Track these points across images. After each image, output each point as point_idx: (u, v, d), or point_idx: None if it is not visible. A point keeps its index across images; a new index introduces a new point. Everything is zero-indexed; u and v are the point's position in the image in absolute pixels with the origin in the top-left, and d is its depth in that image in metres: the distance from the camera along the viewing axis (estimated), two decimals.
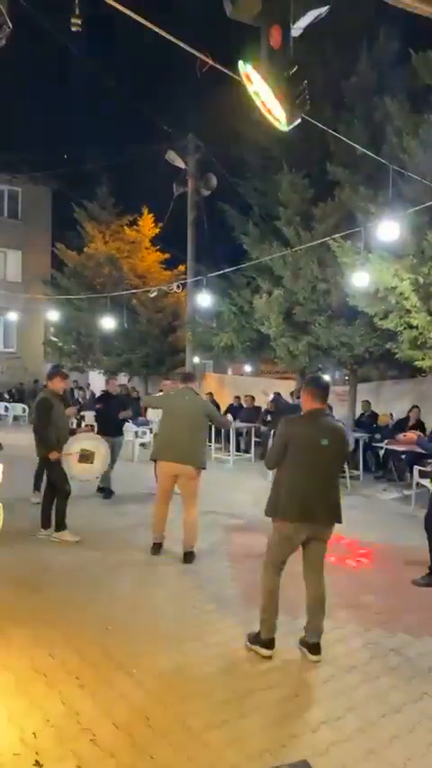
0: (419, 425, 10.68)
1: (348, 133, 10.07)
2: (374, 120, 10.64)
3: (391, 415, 12.31)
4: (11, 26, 2.91)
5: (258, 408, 14.35)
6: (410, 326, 9.71)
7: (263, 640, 3.97)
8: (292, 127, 3.11)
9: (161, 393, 9.63)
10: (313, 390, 4.05)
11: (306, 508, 3.90)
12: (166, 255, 20.95)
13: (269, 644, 3.96)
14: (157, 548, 6.12)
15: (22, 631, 4.24)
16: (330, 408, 7.39)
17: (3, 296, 22.26)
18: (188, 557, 5.91)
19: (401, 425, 10.99)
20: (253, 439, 13.40)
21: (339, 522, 4.05)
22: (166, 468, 5.95)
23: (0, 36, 2.81)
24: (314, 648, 4.00)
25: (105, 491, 8.71)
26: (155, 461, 6.20)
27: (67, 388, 11.59)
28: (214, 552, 6.27)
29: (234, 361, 17.98)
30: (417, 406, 11.30)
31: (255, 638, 4.02)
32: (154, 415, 9.33)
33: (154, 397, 6.79)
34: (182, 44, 4.76)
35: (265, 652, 3.94)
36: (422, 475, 8.87)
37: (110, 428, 8.51)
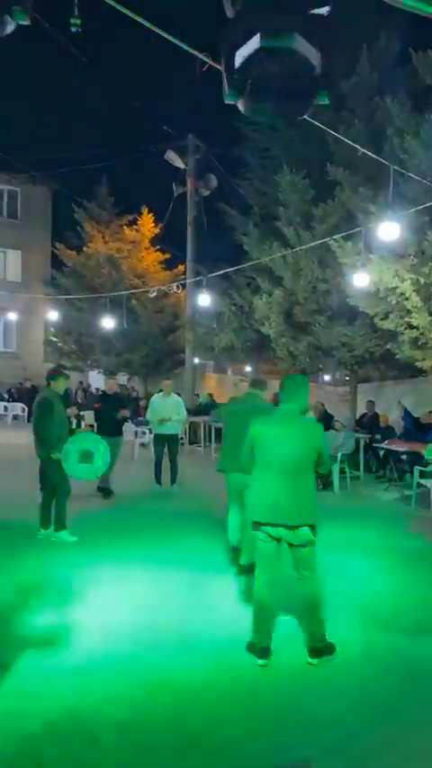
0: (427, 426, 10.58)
1: (348, 133, 10.08)
2: (375, 121, 10.64)
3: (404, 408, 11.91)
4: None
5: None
6: (411, 327, 9.71)
7: (256, 649, 3.91)
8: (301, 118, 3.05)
9: (161, 392, 9.64)
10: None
11: (275, 509, 3.86)
12: (166, 255, 20.97)
13: (261, 653, 3.88)
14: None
15: (22, 631, 4.24)
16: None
17: (3, 296, 22.24)
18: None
19: (413, 421, 10.87)
20: None
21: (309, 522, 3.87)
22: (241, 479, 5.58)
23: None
24: (310, 652, 3.96)
25: (105, 491, 8.71)
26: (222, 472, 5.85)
27: (71, 389, 11.55)
28: (216, 552, 6.25)
29: (234, 362, 17.98)
30: None
31: (250, 647, 3.96)
32: (152, 415, 9.30)
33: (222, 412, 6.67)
34: (182, 44, 4.77)
35: (258, 661, 3.87)
36: (422, 475, 8.86)
37: (109, 428, 8.51)
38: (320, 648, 3.92)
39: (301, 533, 3.86)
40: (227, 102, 2.48)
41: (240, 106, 2.49)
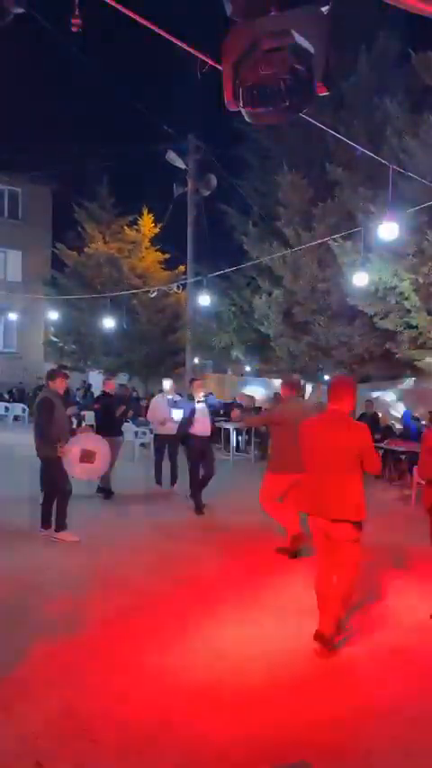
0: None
1: (348, 133, 10.08)
2: (374, 121, 10.65)
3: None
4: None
5: (259, 408, 14.35)
6: (410, 326, 9.73)
7: (319, 637, 4.03)
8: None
9: (161, 393, 9.64)
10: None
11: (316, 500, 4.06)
12: (166, 255, 20.96)
13: (322, 640, 4.01)
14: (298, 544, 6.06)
15: (22, 631, 4.24)
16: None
17: (3, 296, 22.24)
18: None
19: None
20: (253, 439, 13.39)
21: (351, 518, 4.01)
22: (287, 480, 5.97)
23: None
24: (315, 633, 4.04)
25: (105, 491, 8.70)
26: (274, 473, 6.28)
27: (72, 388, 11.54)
28: (215, 552, 6.25)
29: (233, 362, 17.99)
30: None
31: (316, 635, 4.09)
32: (153, 416, 9.31)
33: (265, 415, 7.35)
34: (182, 44, 4.76)
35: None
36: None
37: (109, 428, 8.51)
38: (325, 636, 4.01)
39: (342, 529, 4.01)
40: (229, 109, 2.50)
41: (244, 114, 2.50)
